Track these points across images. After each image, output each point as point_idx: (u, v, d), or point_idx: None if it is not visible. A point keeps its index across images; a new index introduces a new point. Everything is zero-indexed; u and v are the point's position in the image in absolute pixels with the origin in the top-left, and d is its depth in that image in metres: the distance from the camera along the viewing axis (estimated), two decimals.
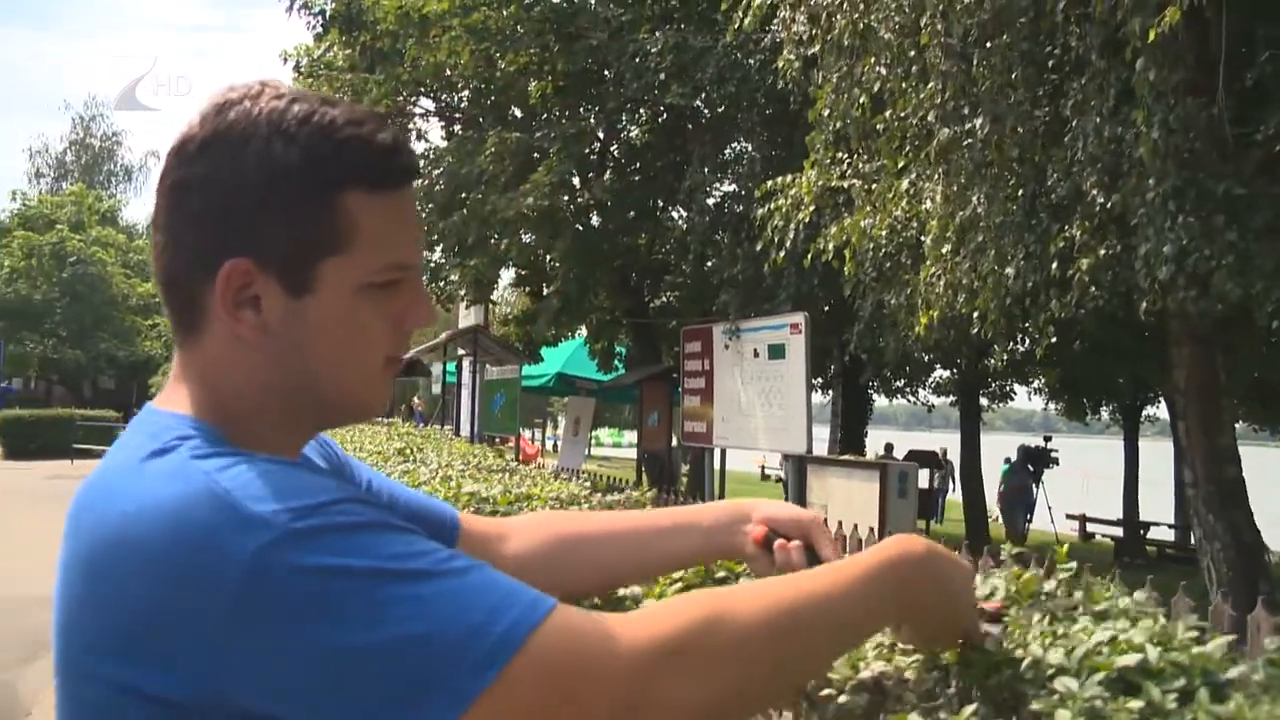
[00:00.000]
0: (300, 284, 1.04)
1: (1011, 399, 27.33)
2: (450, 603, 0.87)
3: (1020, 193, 9.29)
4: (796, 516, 1.37)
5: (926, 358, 21.00)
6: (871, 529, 7.83)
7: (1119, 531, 22.05)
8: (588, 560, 1.39)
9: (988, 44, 8.73)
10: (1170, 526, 22.53)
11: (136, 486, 0.94)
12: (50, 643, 1.02)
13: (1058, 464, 21.03)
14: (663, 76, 15.19)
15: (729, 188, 17.98)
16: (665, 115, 18.00)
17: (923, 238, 10.28)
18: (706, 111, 16.93)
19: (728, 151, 18.00)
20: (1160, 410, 25.77)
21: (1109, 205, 8.44)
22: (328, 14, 18.21)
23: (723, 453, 16.29)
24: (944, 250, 9.72)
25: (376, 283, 1.06)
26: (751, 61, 15.00)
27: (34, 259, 42.73)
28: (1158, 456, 26.23)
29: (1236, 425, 18.12)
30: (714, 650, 0.92)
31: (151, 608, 0.89)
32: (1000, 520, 22.49)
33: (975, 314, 9.79)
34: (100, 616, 0.93)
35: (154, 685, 0.89)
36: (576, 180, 17.53)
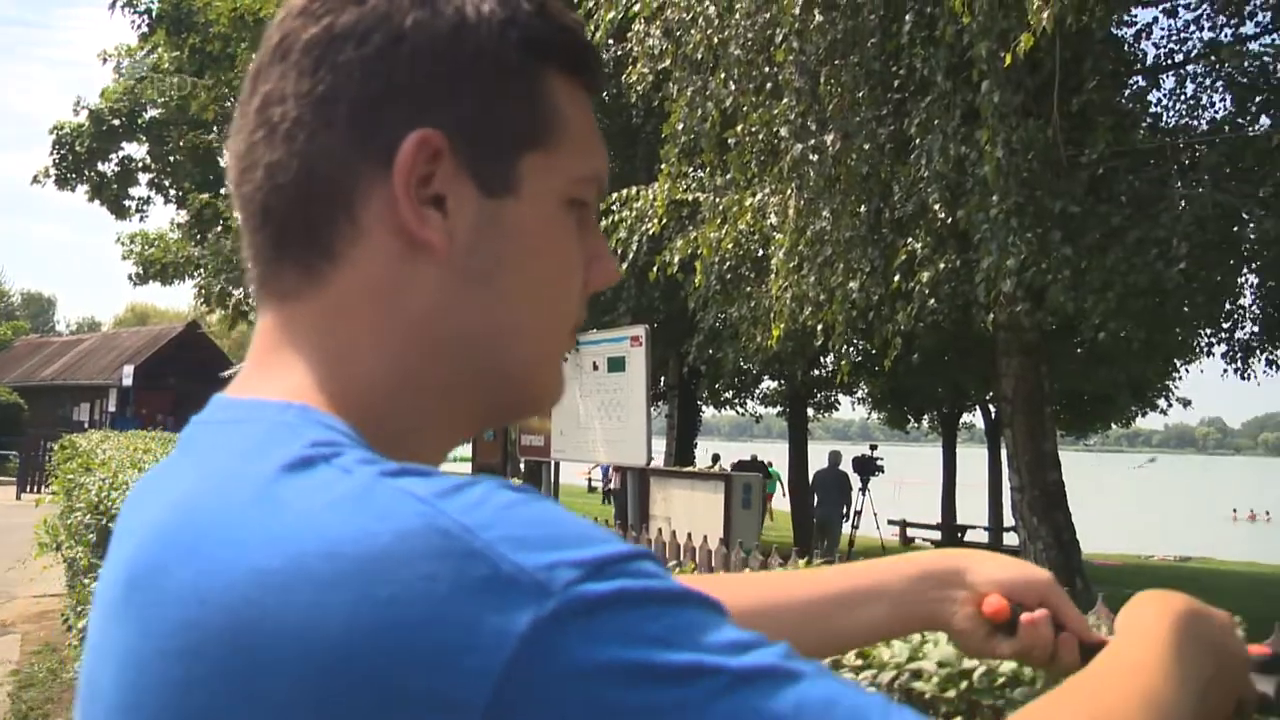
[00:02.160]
0: (499, 179, 0.74)
1: (836, 409, 28.16)
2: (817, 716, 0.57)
3: (865, 208, 9.61)
4: (1030, 578, 1.03)
5: (754, 369, 21.45)
6: (720, 539, 7.96)
7: (938, 535, 22.94)
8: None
9: (837, 62, 9.01)
10: (985, 529, 23.57)
11: (282, 523, 0.59)
12: None
13: (883, 471, 21.75)
14: None
15: None
16: None
17: (767, 251, 10.52)
18: None
19: None
20: (976, 418, 26.97)
21: (951, 221, 8.80)
22: (154, 13, 17.57)
23: (557, 466, 16.32)
24: (792, 264, 9.97)
25: (575, 198, 0.78)
26: None
27: None
28: (973, 463, 27.42)
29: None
30: None
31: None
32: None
33: (819, 326, 10.07)
34: None
35: None
36: None
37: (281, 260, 0.74)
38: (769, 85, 9.68)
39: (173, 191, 26.67)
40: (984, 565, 1.04)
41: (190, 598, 0.59)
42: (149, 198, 28.64)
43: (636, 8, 10.55)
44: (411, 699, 0.54)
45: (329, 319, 0.73)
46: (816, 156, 9.24)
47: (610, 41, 11.66)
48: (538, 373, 0.78)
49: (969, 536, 22.54)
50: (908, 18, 8.62)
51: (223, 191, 20.37)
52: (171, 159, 25.70)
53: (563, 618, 0.54)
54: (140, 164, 27.41)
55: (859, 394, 25.94)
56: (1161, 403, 24.56)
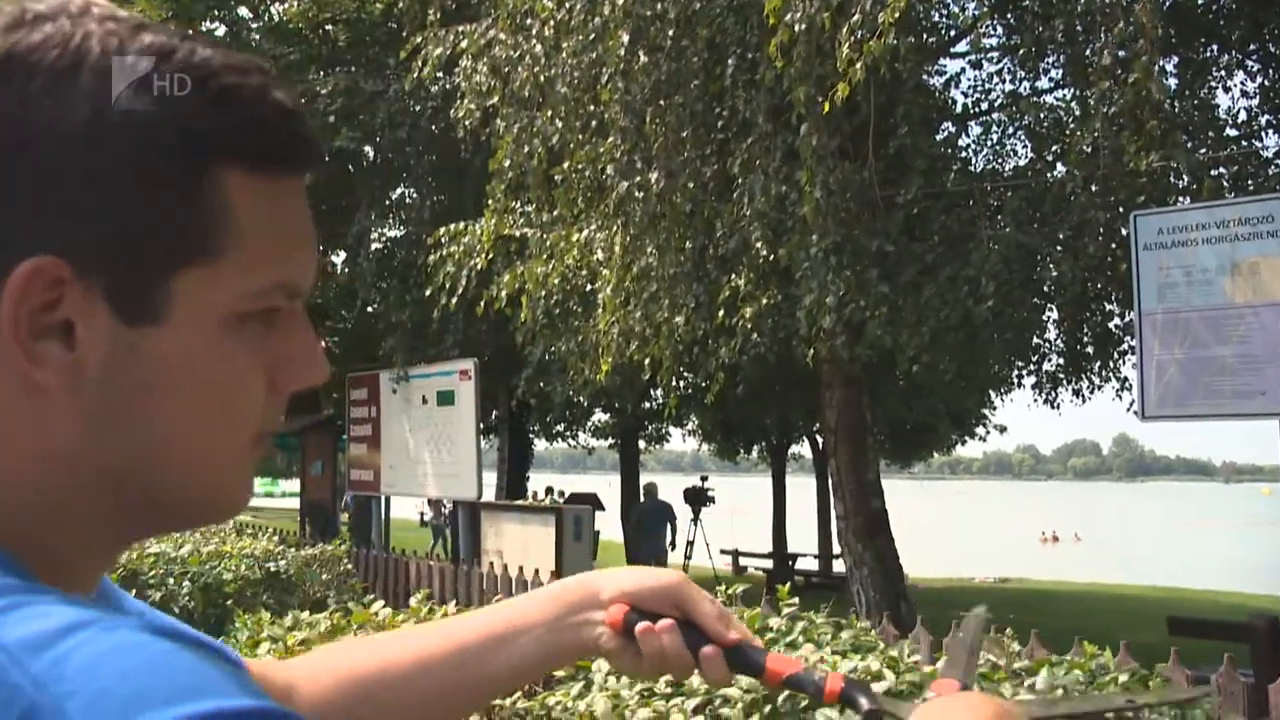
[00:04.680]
0: (141, 304, 0.65)
1: (667, 441, 28.46)
2: None
3: (689, 245, 9.78)
4: (661, 585, 1.00)
5: (585, 402, 21.52)
6: (553, 571, 7.99)
7: (769, 564, 23.33)
8: (394, 705, 1.01)
9: (662, 103, 9.18)
10: (815, 557, 24.07)
11: None
12: None
13: (714, 502, 22.02)
14: (332, 119, 14.91)
15: (395, 233, 17.83)
16: (331, 158, 17.67)
17: (594, 286, 10.61)
18: (375, 156, 16.74)
19: (394, 195, 17.87)
20: (804, 449, 27.58)
21: (773, 258, 9.04)
22: None
23: (388, 500, 16.07)
24: (619, 300, 10.07)
25: (251, 311, 0.69)
26: (422, 108, 15.00)
27: None
28: (800, 491, 28.00)
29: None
30: None
31: None
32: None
33: (647, 360, 10.19)
34: None
35: None
36: None
37: None
38: (595, 123, 9.80)
39: None
40: (613, 579, 1.02)
41: None
42: None
43: (464, 44, 10.57)
44: None
45: None
46: (642, 194, 9.38)
47: (440, 75, 11.63)
48: (200, 489, 0.70)
49: (799, 565, 22.98)
50: (730, 61, 8.84)
51: None
52: None
53: None
54: None
55: (689, 426, 26.26)
56: (980, 430, 25.57)
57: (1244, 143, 11.45)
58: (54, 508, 0.66)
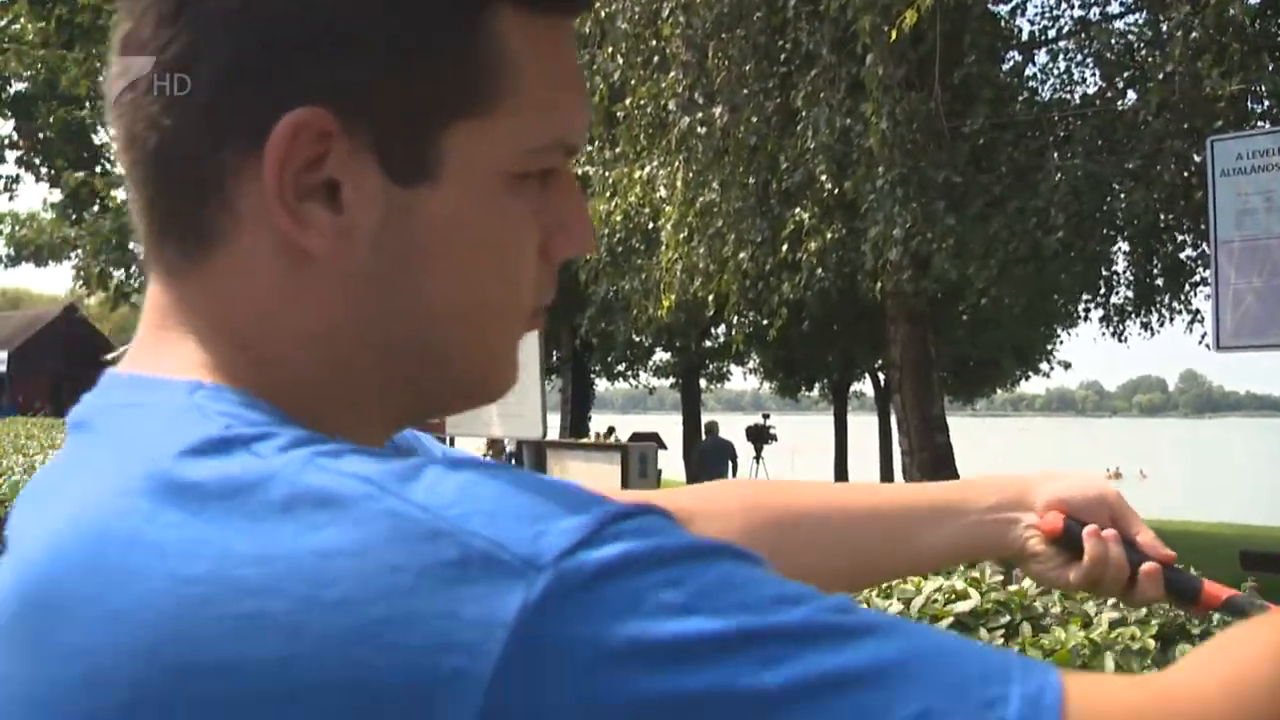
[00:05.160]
0: (413, 161, 0.58)
1: (728, 379, 28.48)
2: (896, 692, 0.45)
3: (752, 180, 9.72)
4: (1099, 492, 0.94)
5: (648, 341, 21.56)
6: None
7: None
8: (824, 549, 0.94)
9: (724, 36, 9.08)
10: None
11: (202, 521, 0.48)
12: None
13: (776, 440, 22.05)
14: None
15: None
16: None
17: (657, 223, 10.59)
18: None
19: None
20: (865, 386, 27.48)
21: (837, 191, 8.95)
22: None
23: (451, 440, 16.25)
24: (681, 236, 10.05)
25: (529, 171, 0.61)
26: None
27: None
28: (861, 429, 27.94)
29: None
30: None
31: None
32: None
33: (710, 296, 10.18)
34: None
35: None
36: None
37: (162, 233, 0.60)
38: (656, 59, 9.73)
39: (44, 169, 25.82)
40: (1048, 483, 0.96)
41: (93, 616, 0.47)
42: (18, 176, 27.67)
43: None
44: (399, 702, 0.43)
45: (221, 304, 0.59)
46: (704, 129, 9.32)
47: None
48: (478, 369, 0.65)
49: None
50: None
51: (99, 170, 19.81)
52: (41, 135, 24.84)
53: (559, 596, 0.44)
54: (7, 140, 26.47)
55: (750, 365, 26.24)
56: (1044, 366, 25.30)
57: None
58: (323, 391, 0.60)
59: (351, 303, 0.59)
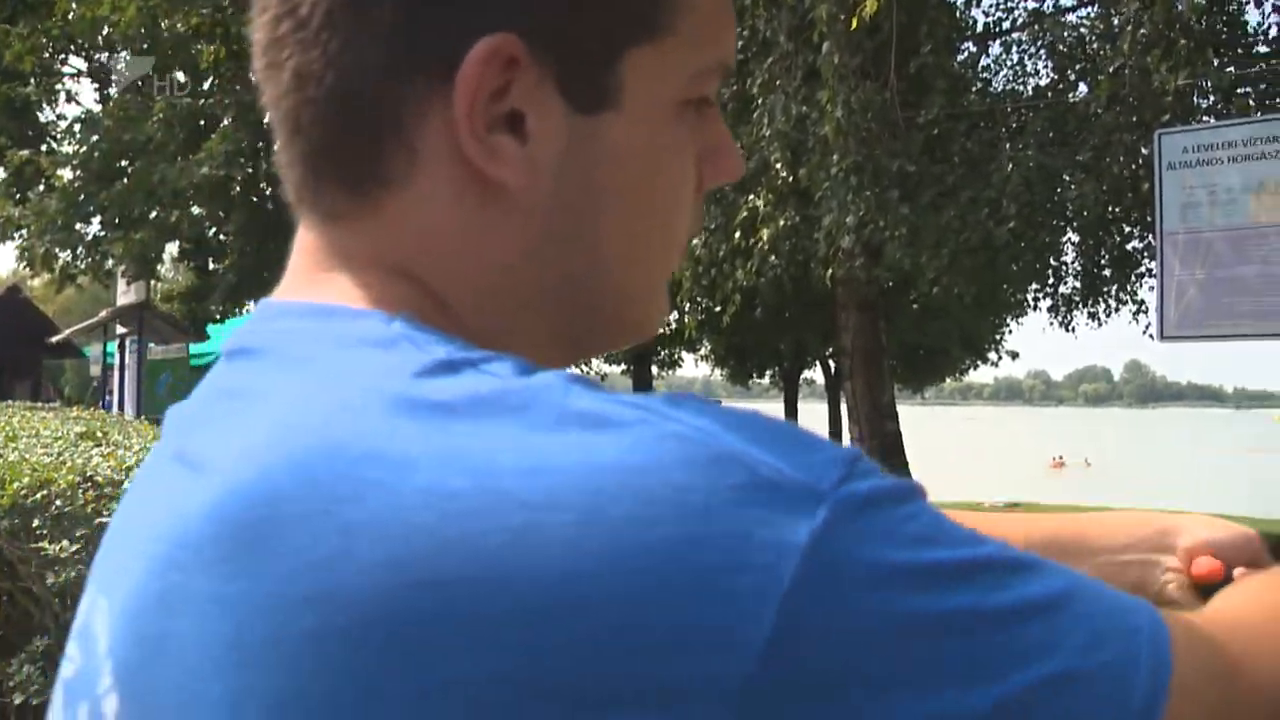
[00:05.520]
0: (595, 89, 0.57)
1: (680, 366, 28.53)
2: (1075, 617, 0.50)
3: None
4: (1243, 536, 0.91)
5: None
6: None
7: None
8: None
9: None
10: None
11: (455, 435, 0.46)
12: None
13: None
14: None
15: None
16: None
17: None
18: None
19: None
20: (816, 374, 27.66)
21: (792, 179, 9.00)
22: None
23: None
24: None
25: (694, 97, 0.61)
26: None
27: None
28: (813, 418, 28.09)
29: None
30: None
31: (609, 662, 0.42)
32: None
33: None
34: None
35: None
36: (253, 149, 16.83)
37: (321, 179, 0.58)
38: None
39: None
40: (1193, 526, 0.91)
41: (323, 530, 0.45)
42: None
43: None
44: (667, 642, 0.42)
45: (391, 249, 0.58)
46: None
47: None
48: (642, 305, 0.64)
49: None
50: None
51: (44, 148, 19.43)
52: None
53: (839, 523, 0.45)
54: None
55: (702, 351, 26.32)
56: (992, 356, 25.57)
57: (1273, 60, 11.30)
58: (501, 329, 0.58)
59: (534, 237, 0.58)
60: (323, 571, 0.44)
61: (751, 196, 9.53)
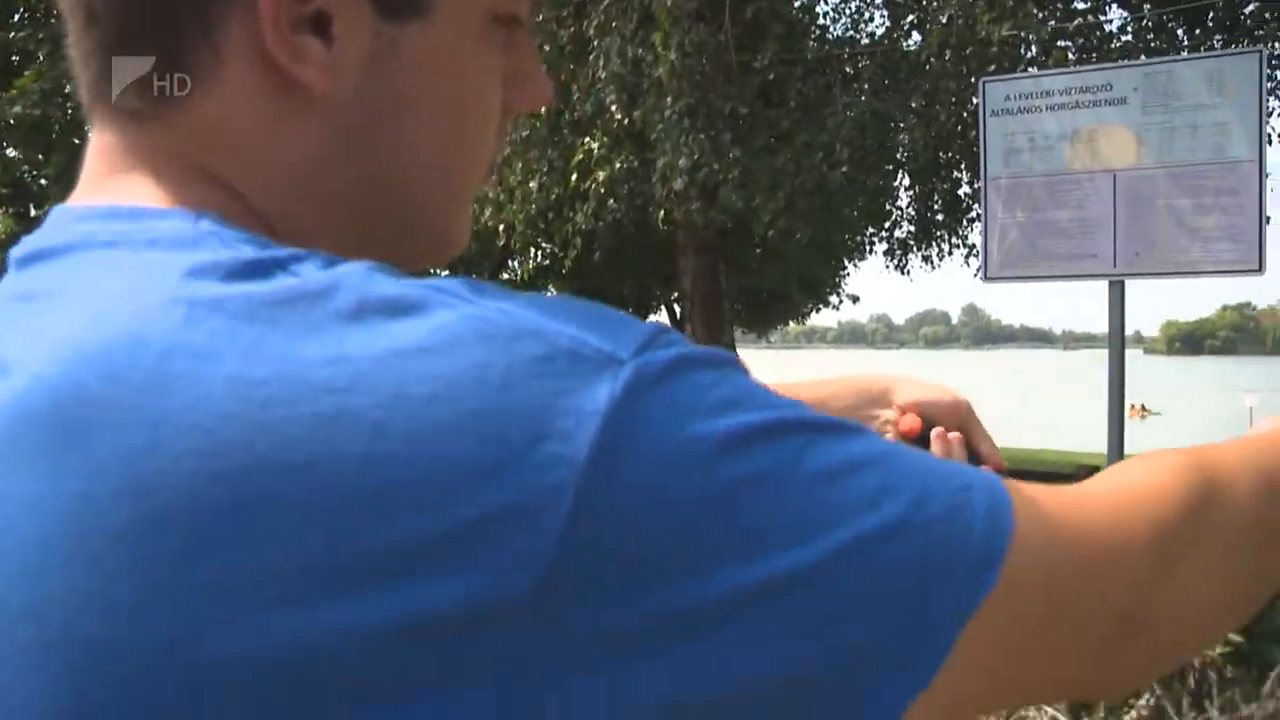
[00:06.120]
0: None
1: None
2: (901, 474, 0.50)
3: (545, 109, 9.63)
4: (952, 402, 1.00)
5: (445, 273, 21.33)
6: None
7: None
8: None
9: None
10: None
11: (258, 327, 0.45)
12: None
13: None
14: None
15: None
16: None
17: None
18: None
19: None
20: (662, 318, 27.84)
21: (628, 121, 8.97)
22: None
23: None
24: None
25: (506, 14, 0.61)
26: None
27: None
28: None
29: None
30: (1221, 539, 0.62)
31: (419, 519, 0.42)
32: None
33: (501, 227, 10.10)
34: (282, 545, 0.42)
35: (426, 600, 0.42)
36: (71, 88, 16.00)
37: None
38: None
39: None
40: (908, 385, 1.03)
41: (133, 423, 0.43)
42: None
43: None
44: (472, 522, 0.42)
45: (194, 148, 0.56)
46: None
47: None
48: (443, 223, 0.63)
49: None
50: None
51: None
52: None
53: (639, 388, 0.45)
54: None
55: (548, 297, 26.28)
56: (834, 299, 26.10)
57: (1090, 16, 11.69)
58: (304, 230, 0.57)
59: (335, 143, 0.57)
60: (132, 465, 0.43)
61: (588, 139, 9.47)
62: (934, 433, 0.99)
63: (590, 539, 0.43)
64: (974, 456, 1.00)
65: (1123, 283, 5.77)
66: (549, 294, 0.50)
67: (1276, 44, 10.18)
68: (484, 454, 0.42)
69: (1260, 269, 4.99)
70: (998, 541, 0.51)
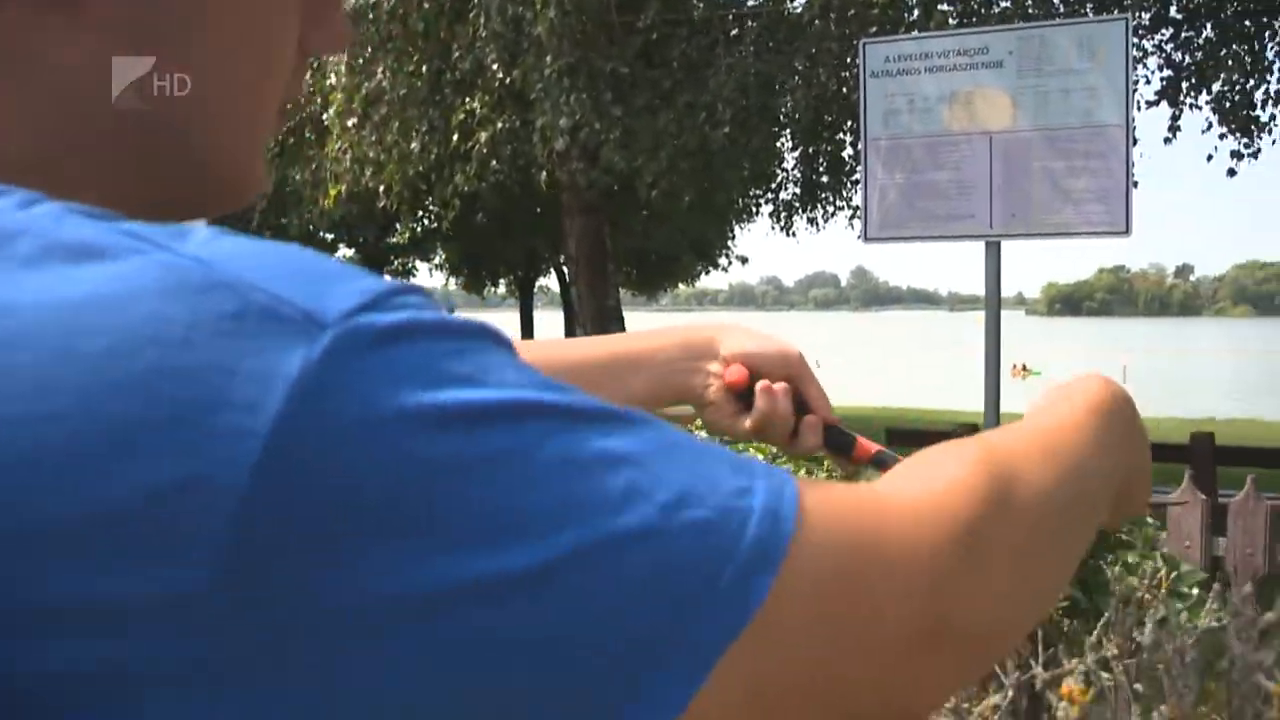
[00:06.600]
0: None
1: (414, 275, 28.00)
2: (660, 475, 0.45)
3: (425, 68, 9.44)
4: (780, 352, 0.99)
5: (330, 236, 20.95)
6: None
7: None
8: None
9: None
10: None
11: None
12: None
13: None
14: None
15: None
16: None
17: (327, 112, 10.18)
18: None
19: None
20: (551, 281, 27.71)
21: (509, 80, 8.82)
22: None
23: None
24: (349, 124, 9.68)
25: None
26: None
27: None
28: (550, 325, 28.23)
29: (620, 291, 19.95)
30: (1024, 530, 0.59)
31: (82, 498, 0.37)
32: None
33: (382, 188, 9.90)
34: None
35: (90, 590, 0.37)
36: None
37: None
38: None
39: None
40: (734, 336, 1.00)
41: None
42: None
43: None
44: (143, 492, 0.37)
45: None
46: (373, 14, 8.94)
47: None
48: (234, 159, 0.57)
49: None
50: None
51: None
52: None
53: (343, 354, 0.40)
54: None
55: (436, 260, 25.93)
56: (723, 261, 26.22)
57: None
58: (58, 158, 0.51)
59: (108, 61, 0.50)
60: None
61: (468, 99, 9.29)
62: (759, 385, 0.97)
63: (272, 523, 0.38)
64: (803, 408, 0.98)
65: (999, 243, 5.83)
66: (293, 244, 0.44)
67: (1143, 14, 10.40)
68: (154, 416, 0.38)
69: (1127, 231, 5.06)
70: (774, 546, 0.46)
